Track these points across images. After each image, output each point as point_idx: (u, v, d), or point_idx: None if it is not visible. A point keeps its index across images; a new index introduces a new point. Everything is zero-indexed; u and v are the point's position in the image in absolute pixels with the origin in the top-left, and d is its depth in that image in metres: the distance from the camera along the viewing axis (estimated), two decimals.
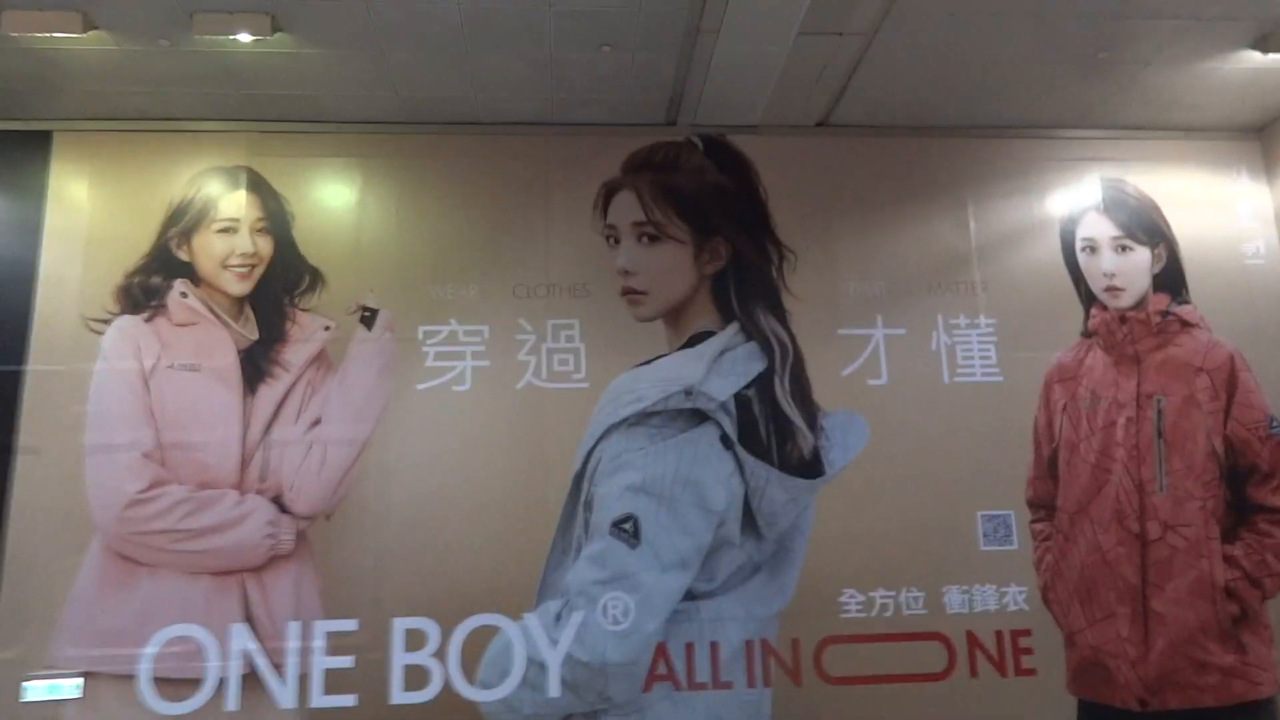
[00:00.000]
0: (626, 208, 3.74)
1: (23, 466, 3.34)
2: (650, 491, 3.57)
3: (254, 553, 3.38)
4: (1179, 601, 3.62)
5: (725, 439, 3.57)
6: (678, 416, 3.60)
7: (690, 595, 3.40)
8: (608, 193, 3.77)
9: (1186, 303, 3.99)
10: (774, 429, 3.58)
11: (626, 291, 3.69)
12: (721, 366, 3.67)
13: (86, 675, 3.19)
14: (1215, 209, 4.18)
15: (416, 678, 3.29)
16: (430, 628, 3.35)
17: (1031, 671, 3.52)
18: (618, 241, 3.70)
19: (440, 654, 3.32)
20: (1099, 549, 3.68)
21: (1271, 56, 3.64)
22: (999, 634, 3.55)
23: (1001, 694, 3.51)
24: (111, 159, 3.65)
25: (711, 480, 3.55)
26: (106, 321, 3.49)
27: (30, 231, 3.52)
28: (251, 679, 3.24)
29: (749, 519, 3.54)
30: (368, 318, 3.59)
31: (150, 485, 3.40)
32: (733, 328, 3.64)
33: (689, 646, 3.33)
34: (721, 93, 3.76)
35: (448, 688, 3.24)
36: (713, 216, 3.74)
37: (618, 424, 3.62)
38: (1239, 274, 4.10)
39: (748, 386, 3.63)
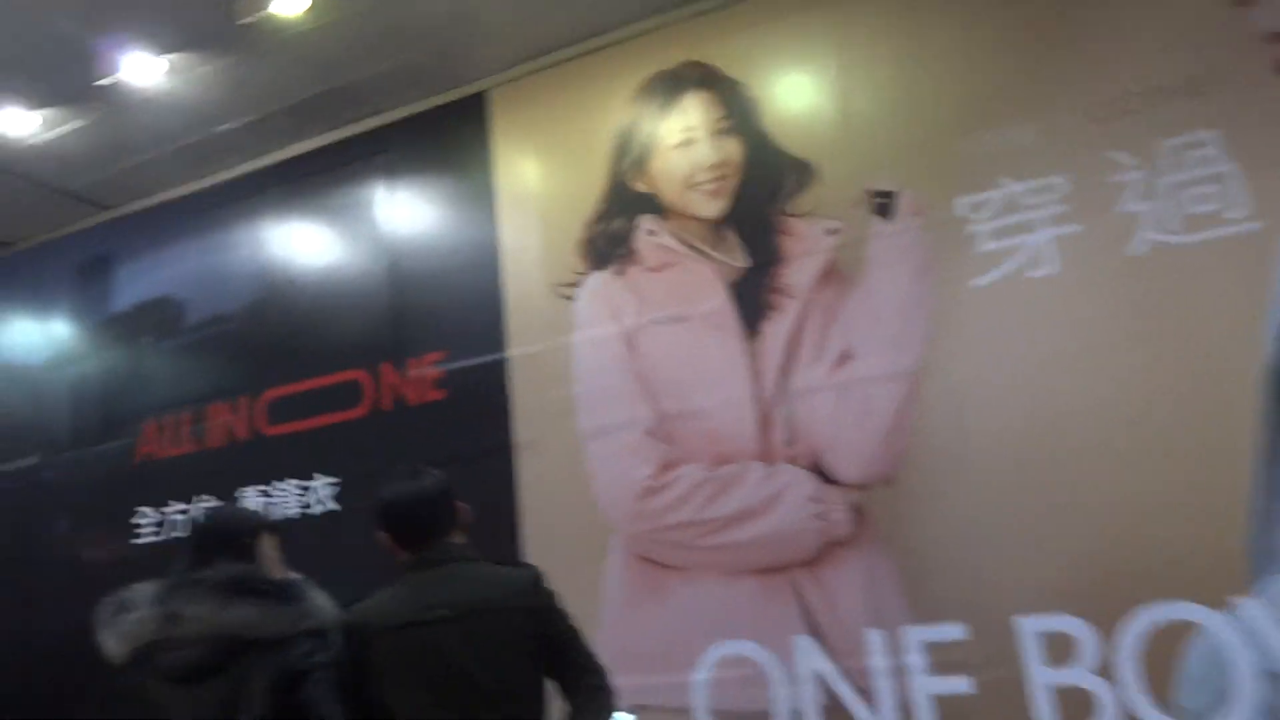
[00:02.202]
0: None
1: (524, 465, 3.43)
2: None
3: (801, 541, 3.14)
4: None
5: None
6: None
7: None
8: None
9: None
10: None
11: None
12: None
13: (638, 709, 3.24)
14: None
15: (1074, 705, 2.73)
16: (1078, 629, 2.77)
17: None
18: None
19: (1105, 669, 2.73)
20: None
21: None
22: None
23: None
24: (549, 102, 3.72)
25: None
26: (575, 284, 3.55)
27: (485, 206, 3.70)
28: (835, 710, 2.98)
29: None
30: (883, 205, 3.24)
31: (660, 468, 3.29)
32: None
33: None
34: None
35: None
36: None
37: None
38: None
39: None
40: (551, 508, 3.44)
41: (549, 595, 1.93)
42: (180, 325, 4.46)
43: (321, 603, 1.88)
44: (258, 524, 2.01)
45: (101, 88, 3.68)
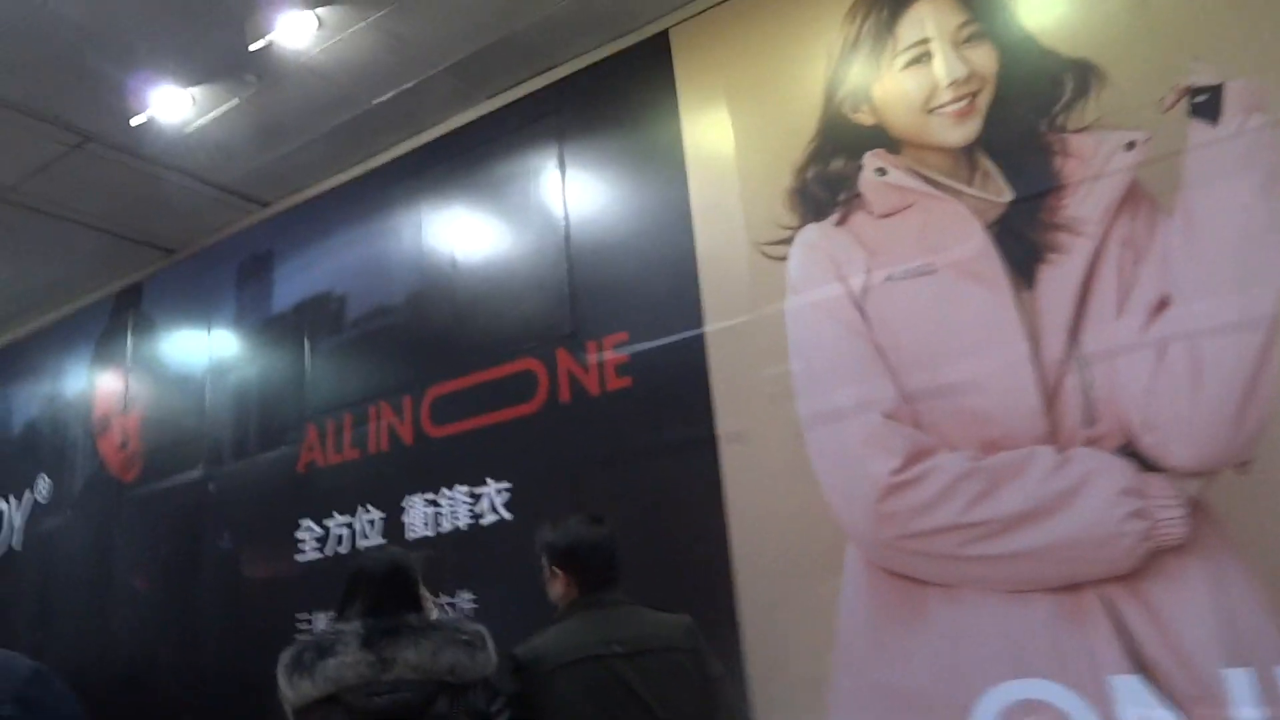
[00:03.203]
0: None
1: (730, 461, 2.85)
2: None
3: (1113, 547, 2.35)
4: None
5: None
6: None
7: None
8: None
9: None
10: None
11: None
12: None
13: None
14: None
15: None
16: None
17: None
18: None
19: None
20: None
21: None
22: None
23: None
24: (742, 33, 3.17)
25: None
26: (785, 241, 2.92)
27: (671, 162, 3.18)
28: None
29: None
30: (1205, 103, 2.46)
31: (907, 460, 2.68)
32: None
33: None
34: None
35: None
36: None
37: None
38: None
39: None
40: (766, 512, 2.81)
41: (703, 640, 2.06)
42: (340, 322, 4.11)
43: (493, 649, 1.97)
44: (419, 570, 2.05)
45: (253, 57, 3.34)
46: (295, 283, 4.36)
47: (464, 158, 3.84)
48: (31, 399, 5.66)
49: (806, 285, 2.88)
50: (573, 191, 3.50)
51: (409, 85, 3.64)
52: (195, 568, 4.35)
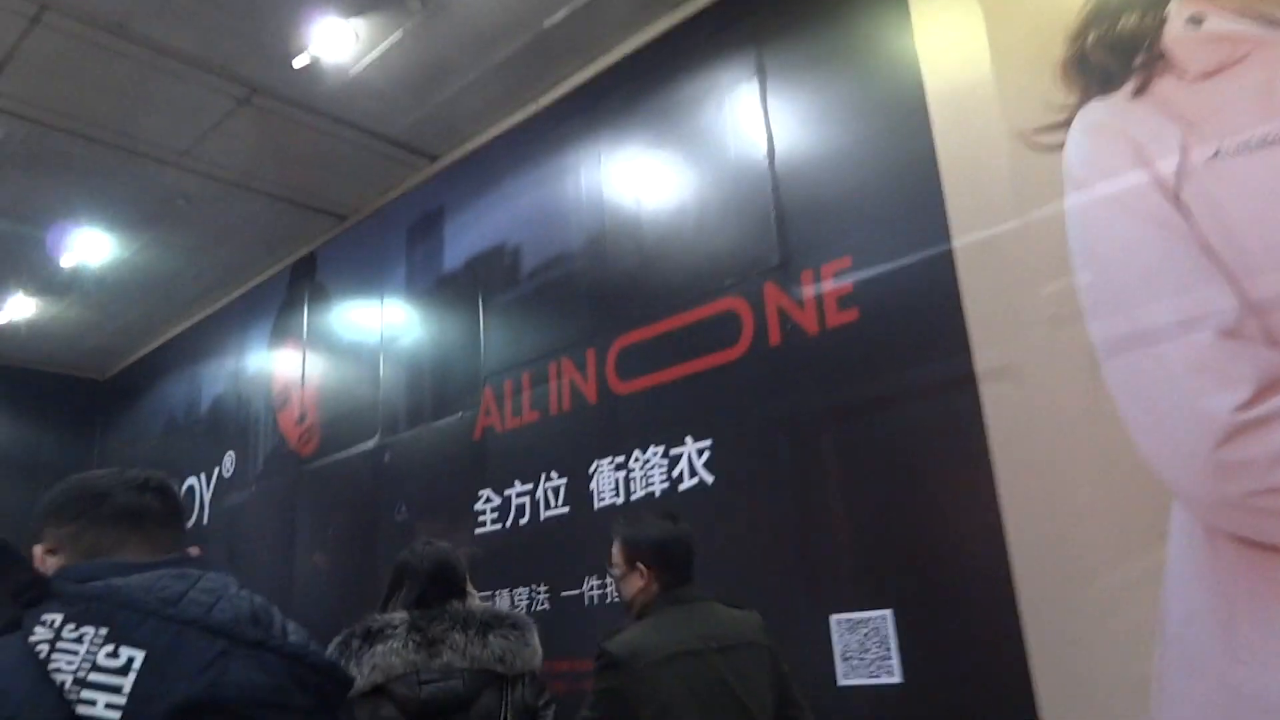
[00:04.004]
0: None
1: (995, 405, 2.24)
2: None
3: None
4: None
5: None
6: None
7: None
8: None
9: None
10: None
11: None
12: None
13: None
14: None
15: None
16: None
17: None
18: None
19: None
20: None
21: None
22: None
23: None
24: None
25: None
26: (1061, 126, 2.27)
27: (898, 45, 2.61)
28: None
29: None
30: None
31: (1260, 390, 2.00)
32: None
33: None
34: None
35: None
36: None
37: None
38: None
39: None
40: (1050, 466, 2.19)
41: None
42: (515, 275, 3.76)
43: (538, 643, 1.98)
44: (464, 566, 2.05)
45: None
46: (467, 238, 4.05)
47: (646, 80, 3.39)
48: (218, 377, 5.67)
49: (1095, 176, 2.24)
50: (775, 101, 2.98)
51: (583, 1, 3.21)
52: (373, 541, 4.11)
